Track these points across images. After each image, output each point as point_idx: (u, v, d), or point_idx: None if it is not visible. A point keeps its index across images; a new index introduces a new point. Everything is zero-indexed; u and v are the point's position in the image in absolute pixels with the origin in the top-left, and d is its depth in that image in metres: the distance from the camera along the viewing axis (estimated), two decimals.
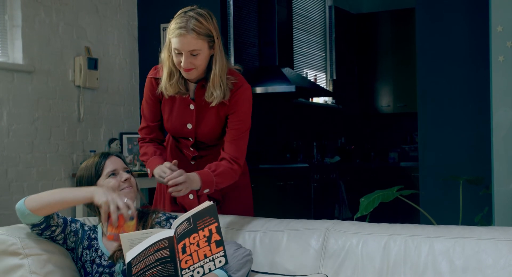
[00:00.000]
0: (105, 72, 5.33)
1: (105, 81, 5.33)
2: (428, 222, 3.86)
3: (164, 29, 5.47)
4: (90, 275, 2.35)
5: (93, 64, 5.12)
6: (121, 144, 5.37)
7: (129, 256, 2.09)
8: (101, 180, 2.39)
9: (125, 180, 2.39)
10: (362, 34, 8.54)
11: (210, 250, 2.09)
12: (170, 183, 2.49)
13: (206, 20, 2.54)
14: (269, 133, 7.01)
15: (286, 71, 6.68)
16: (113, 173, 2.39)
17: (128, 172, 2.44)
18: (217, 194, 2.78)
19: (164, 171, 2.54)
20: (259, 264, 2.47)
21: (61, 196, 2.26)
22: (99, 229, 2.42)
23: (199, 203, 2.71)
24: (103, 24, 5.34)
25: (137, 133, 5.53)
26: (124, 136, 5.40)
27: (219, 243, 2.10)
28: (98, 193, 2.23)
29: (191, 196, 2.76)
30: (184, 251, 2.10)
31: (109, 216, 2.21)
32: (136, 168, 5.23)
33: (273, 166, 6.44)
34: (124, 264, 2.23)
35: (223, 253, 2.10)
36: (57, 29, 4.91)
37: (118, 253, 2.29)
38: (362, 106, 8.56)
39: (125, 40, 5.55)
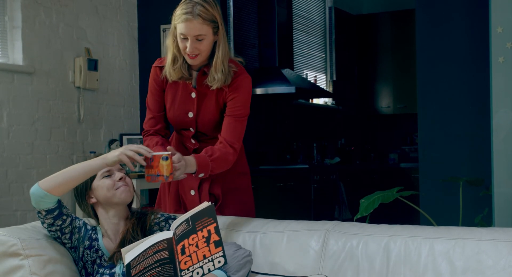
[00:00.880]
0: (105, 73, 5.32)
1: (105, 82, 5.33)
2: (428, 223, 3.86)
3: (164, 30, 5.47)
4: (91, 276, 2.35)
5: (93, 65, 5.12)
6: (121, 145, 5.35)
7: (128, 257, 2.09)
8: (96, 181, 2.40)
9: (120, 179, 2.40)
10: (362, 35, 8.54)
11: (209, 250, 2.10)
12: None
13: (211, 6, 2.61)
14: (269, 134, 7.01)
15: (286, 72, 6.68)
16: (108, 175, 2.41)
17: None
18: (218, 190, 2.79)
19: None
20: (259, 265, 2.47)
21: (76, 170, 2.31)
22: (99, 230, 2.42)
23: (200, 200, 2.73)
24: (103, 25, 5.33)
25: (137, 134, 5.55)
26: (124, 137, 5.39)
27: (218, 244, 2.10)
28: (109, 154, 2.32)
29: (192, 192, 2.78)
30: (183, 252, 2.10)
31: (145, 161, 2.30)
32: (136, 169, 5.22)
33: (273, 167, 6.44)
34: (124, 266, 2.23)
35: (222, 254, 2.10)
36: (57, 30, 4.90)
37: (118, 254, 2.29)
38: (362, 107, 8.55)
39: (125, 41, 5.55)
